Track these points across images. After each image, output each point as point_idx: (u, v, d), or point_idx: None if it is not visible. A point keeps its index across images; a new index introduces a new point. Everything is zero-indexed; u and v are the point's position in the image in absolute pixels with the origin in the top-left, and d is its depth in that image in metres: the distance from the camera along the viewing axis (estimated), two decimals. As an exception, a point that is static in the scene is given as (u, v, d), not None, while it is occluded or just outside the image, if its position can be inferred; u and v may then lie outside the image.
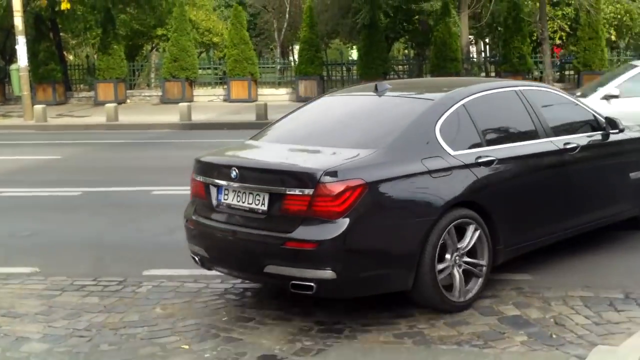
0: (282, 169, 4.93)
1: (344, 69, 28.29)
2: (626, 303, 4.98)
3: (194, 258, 5.29)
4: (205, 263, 5.23)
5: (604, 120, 6.35)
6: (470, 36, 27.85)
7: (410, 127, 5.07)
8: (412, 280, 4.75)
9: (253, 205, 4.84)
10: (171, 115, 19.80)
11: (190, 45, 25.31)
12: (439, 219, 4.82)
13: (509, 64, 22.95)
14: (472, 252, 5.06)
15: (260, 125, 11.22)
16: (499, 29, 24.94)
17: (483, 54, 33.77)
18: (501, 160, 5.29)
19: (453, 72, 23.05)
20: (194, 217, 5.25)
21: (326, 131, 5.56)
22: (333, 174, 4.54)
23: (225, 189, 5.03)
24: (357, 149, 4.87)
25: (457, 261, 4.97)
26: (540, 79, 22.67)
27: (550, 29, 23.65)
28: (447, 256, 4.91)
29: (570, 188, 5.87)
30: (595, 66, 22.42)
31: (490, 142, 5.43)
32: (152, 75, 32.85)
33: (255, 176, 4.92)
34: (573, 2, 21.39)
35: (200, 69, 23.65)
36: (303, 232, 4.55)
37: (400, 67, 29.60)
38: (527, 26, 23.60)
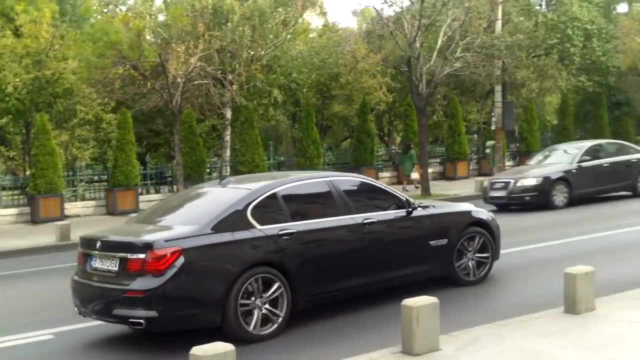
0: (126, 241, 7.23)
1: None
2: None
3: (75, 308, 7.53)
4: (81, 312, 7.44)
5: (405, 200, 8.69)
6: None
7: (227, 209, 7.33)
8: (220, 319, 6.93)
9: (110, 267, 7.06)
10: None
11: None
12: (240, 275, 7.02)
13: None
14: (274, 302, 7.26)
15: None
16: None
17: None
18: (301, 232, 7.59)
19: None
20: (75, 278, 7.55)
21: (174, 214, 8.01)
22: (158, 243, 6.79)
23: (94, 257, 7.30)
24: (186, 226, 7.18)
25: (260, 305, 7.16)
26: None
27: None
28: (251, 302, 7.10)
29: (370, 252, 8.17)
30: None
31: (295, 219, 7.73)
32: None
33: (111, 247, 7.17)
34: None
35: None
36: (137, 284, 6.74)
37: None
38: None
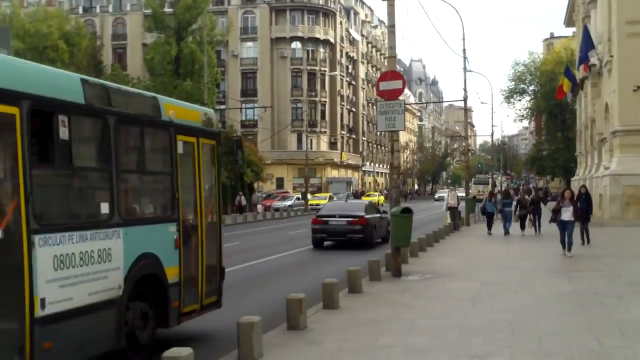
0: (351, 214, 24.56)
1: None
2: None
3: (320, 238, 25.30)
4: (326, 239, 25.56)
5: (382, 210, 27.45)
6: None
7: (367, 206, 26.20)
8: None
9: (341, 223, 24.43)
10: None
11: None
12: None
13: None
14: None
15: None
16: None
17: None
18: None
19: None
20: (324, 226, 25.15)
21: (345, 209, 25.74)
22: (362, 215, 24.45)
23: (332, 221, 24.70)
24: (359, 212, 24.71)
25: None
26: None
27: None
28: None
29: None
30: None
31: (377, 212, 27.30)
32: None
33: (342, 216, 24.60)
34: None
35: None
36: (356, 227, 24.24)
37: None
38: None
